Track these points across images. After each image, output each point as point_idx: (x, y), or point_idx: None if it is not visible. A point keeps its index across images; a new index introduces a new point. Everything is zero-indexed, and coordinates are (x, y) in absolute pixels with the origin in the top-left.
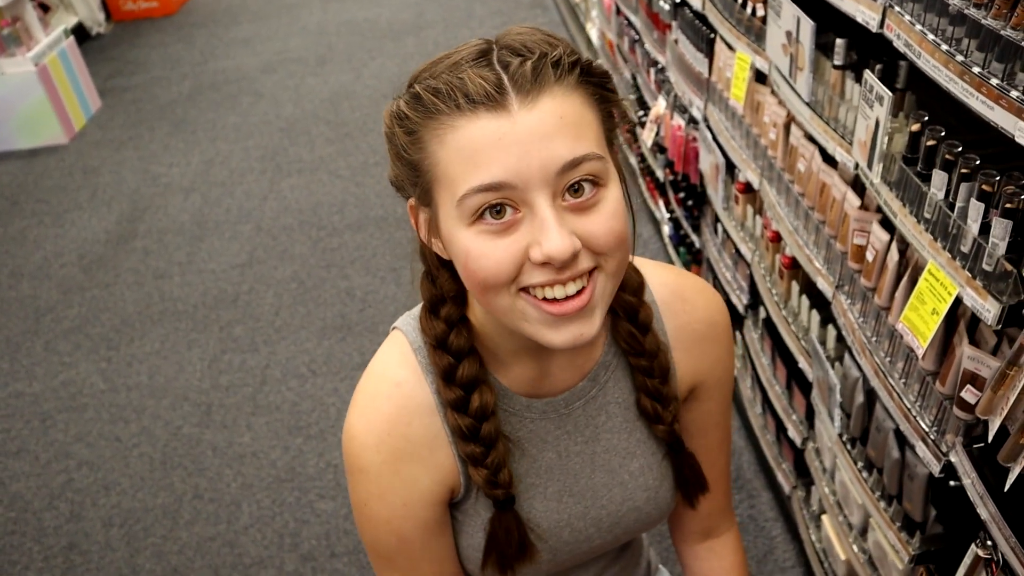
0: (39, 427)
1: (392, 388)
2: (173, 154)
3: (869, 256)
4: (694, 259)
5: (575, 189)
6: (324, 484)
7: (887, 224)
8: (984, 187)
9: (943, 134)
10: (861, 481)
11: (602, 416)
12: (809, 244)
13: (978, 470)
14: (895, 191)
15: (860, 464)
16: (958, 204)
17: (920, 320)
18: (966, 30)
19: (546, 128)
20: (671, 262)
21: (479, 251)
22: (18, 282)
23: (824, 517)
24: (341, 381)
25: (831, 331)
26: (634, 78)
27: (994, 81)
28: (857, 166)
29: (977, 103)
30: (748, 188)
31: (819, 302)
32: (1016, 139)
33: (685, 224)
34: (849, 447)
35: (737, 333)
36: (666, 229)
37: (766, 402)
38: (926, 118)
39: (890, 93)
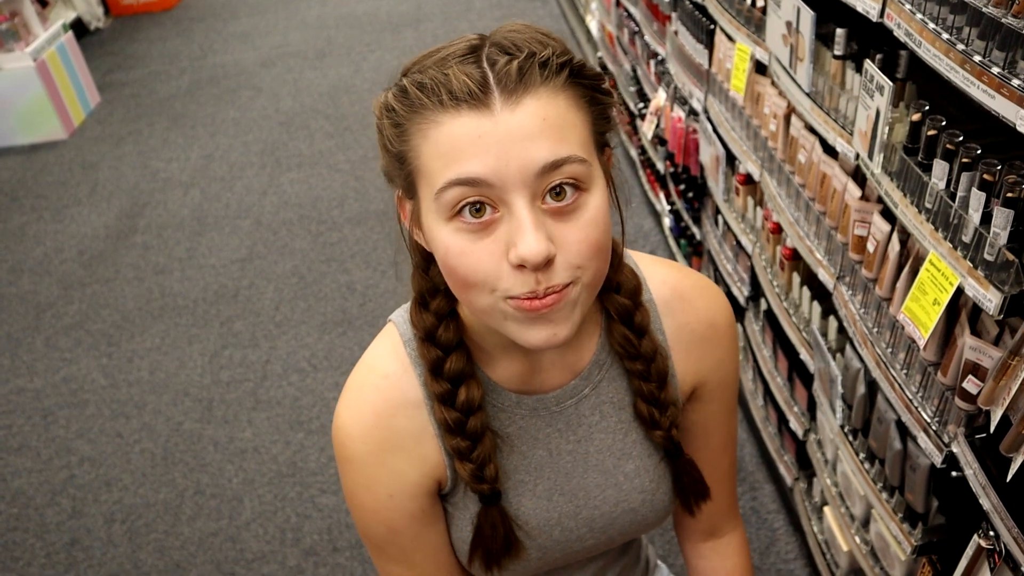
0: (40, 423)
1: (380, 380)
2: (172, 149)
3: (870, 247)
4: (695, 251)
5: (556, 192)
6: (326, 479)
7: (888, 215)
8: (985, 176)
9: (944, 124)
10: (863, 472)
11: (595, 415)
12: (810, 235)
13: (980, 461)
14: (896, 181)
15: (862, 455)
16: (959, 194)
17: (921, 311)
18: (967, 18)
19: (527, 129)
20: (672, 254)
21: (458, 248)
22: (18, 278)
23: (826, 509)
24: (342, 376)
25: (832, 322)
26: (634, 70)
27: (995, 70)
28: (858, 156)
29: (978, 92)
30: (749, 179)
31: (820, 293)
32: (1017, 128)
33: (686, 216)
34: (851, 438)
35: (739, 325)
36: (667, 221)
37: (768, 394)
38: (927, 108)
39: (891, 83)
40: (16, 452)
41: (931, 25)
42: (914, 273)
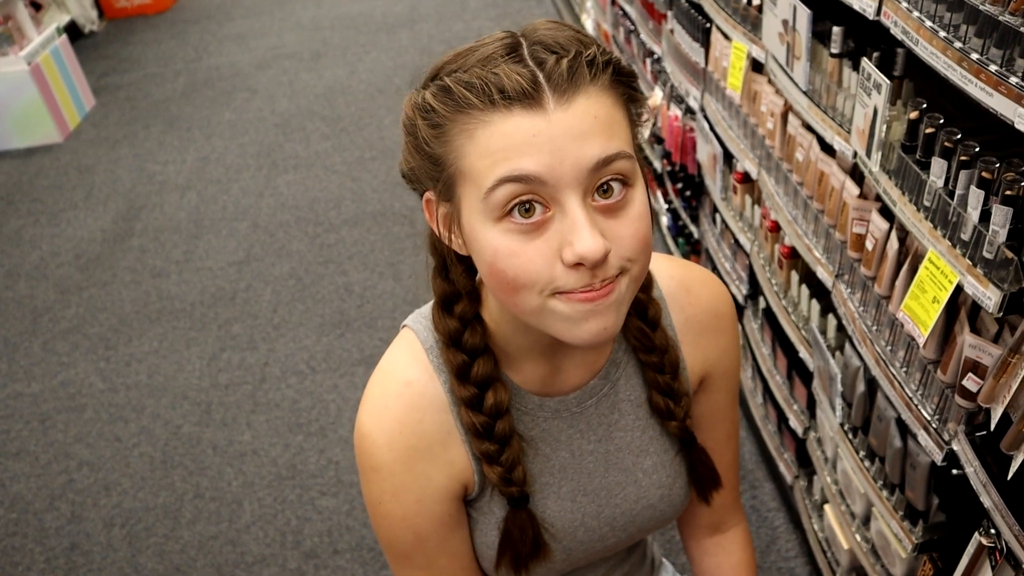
0: (39, 428)
1: (402, 387)
2: (168, 152)
3: (869, 245)
4: (693, 250)
5: (604, 189)
6: (325, 481)
7: (886, 212)
8: (984, 174)
9: (942, 121)
10: (863, 470)
11: (615, 414)
12: (808, 233)
13: (980, 458)
14: (894, 179)
15: (862, 453)
16: (958, 192)
17: (921, 309)
18: (964, 16)
19: (581, 127)
20: (670, 253)
21: (508, 249)
22: (15, 282)
23: (826, 506)
24: (340, 377)
25: (831, 320)
26: None
27: (993, 67)
28: (856, 155)
29: (976, 90)
30: (746, 178)
31: (819, 291)
32: (1016, 125)
33: (683, 215)
34: (851, 436)
35: (738, 323)
36: (664, 220)
37: (767, 392)
38: (924, 105)
39: (888, 81)
40: (14, 457)
41: (928, 23)
42: (913, 271)
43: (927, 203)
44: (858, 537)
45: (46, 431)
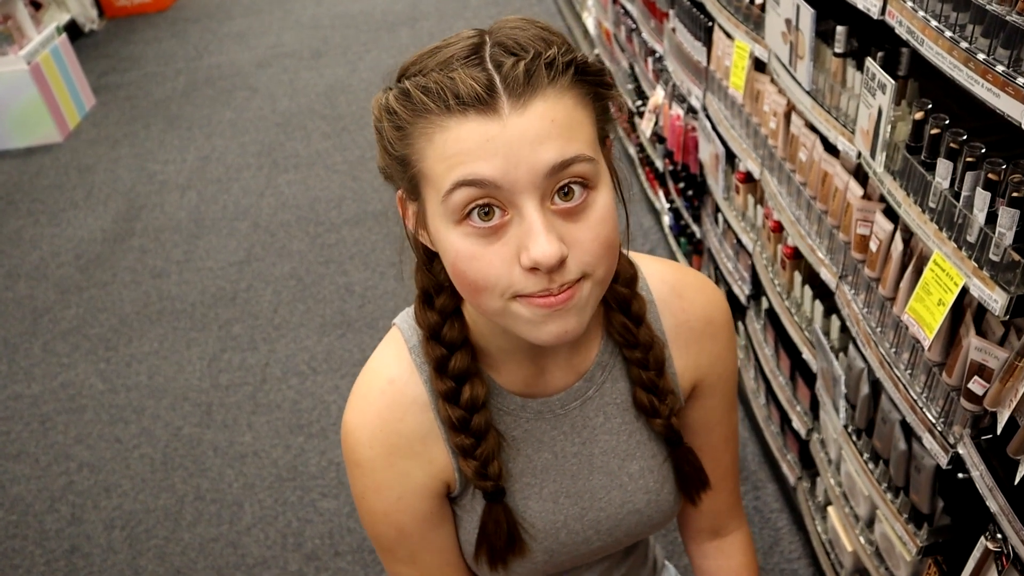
0: (39, 429)
1: (385, 384)
2: (168, 151)
3: (873, 246)
4: (695, 249)
5: (564, 192)
6: (326, 482)
7: (891, 214)
8: (990, 176)
9: (947, 122)
10: (867, 472)
11: (600, 417)
12: (811, 234)
13: (987, 462)
14: (899, 180)
15: (866, 455)
16: (963, 193)
17: (926, 311)
18: (970, 16)
19: (536, 132)
20: (672, 252)
21: (468, 252)
22: (15, 283)
23: (830, 508)
24: (342, 378)
25: (835, 321)
26: (632, 67)
27: (1000, 68)
28: (860, 155)
29: (982, 90)
30: (749, 178)
31: (822, 292)
32: (1022, 126)
33: (685, 214)
34: (854, 438)
35: (740, 324)
36: (666, 219)
37: (770, 393)
38: (929, 106)
39: (893, 81)
40: (14, 459)
41: (933, 23)
42: (918, 273)
43: (932, 205)
44: (862, 539)
45: (46, 432)
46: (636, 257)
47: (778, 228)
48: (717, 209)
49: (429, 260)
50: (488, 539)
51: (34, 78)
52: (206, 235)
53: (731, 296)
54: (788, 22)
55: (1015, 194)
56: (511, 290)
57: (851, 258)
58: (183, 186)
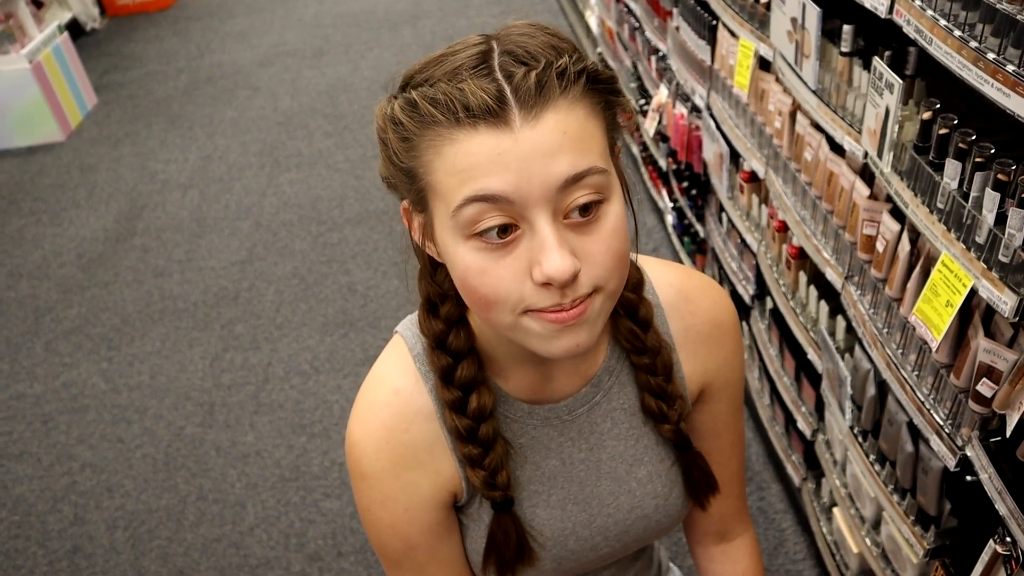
0: (41, 429)
1: (390, 395)
2: (170, 150)
3: (879, 246)
4: (699, 249)
5: (576, 206)
6: (329, 483)
7: (897, 214)
8: (1000, 176)
9: (956, 122)
10: (873, 474)
11: (607, 423)
12: (817, 234)
13: (995, 465)
14: (906, 181)
15: (872, 457)
16: (972, 194)
17: (934, 312)
18: (980, 15)
19: (549, 145)
20: (675, 252)
21: (478, 267)
22: (17, 282)
23: (836, 510)
24: (344, 378)
25: (840, 322)
26: (635, 66)
27: (1010, 68)
28: (867, 155)
29: (992, 90)
30: (753, 177)
31: (828, 293)
32: None
33: (689, 213)
34: (860, 440)
35: (744, 324)
36: (669, 219)
37: (774, 393)
38: (937, 105)
39: (900, 80)
40: (17, 459)
41: (942, 22)
42: (925, 273)
43: (940, 205)
44: (868, 541)
45: (48, 432)
46: (642, 260)
47: (783, 228)
48: (721, 208)
49: (433, 268)
50: (497, 549)
51: (36, 77)
52: (208, 234)
53: (735, 296)
54: (794, 21)
55: None
56: (522, 305)
57: (857, 258)
58: (185, 185)
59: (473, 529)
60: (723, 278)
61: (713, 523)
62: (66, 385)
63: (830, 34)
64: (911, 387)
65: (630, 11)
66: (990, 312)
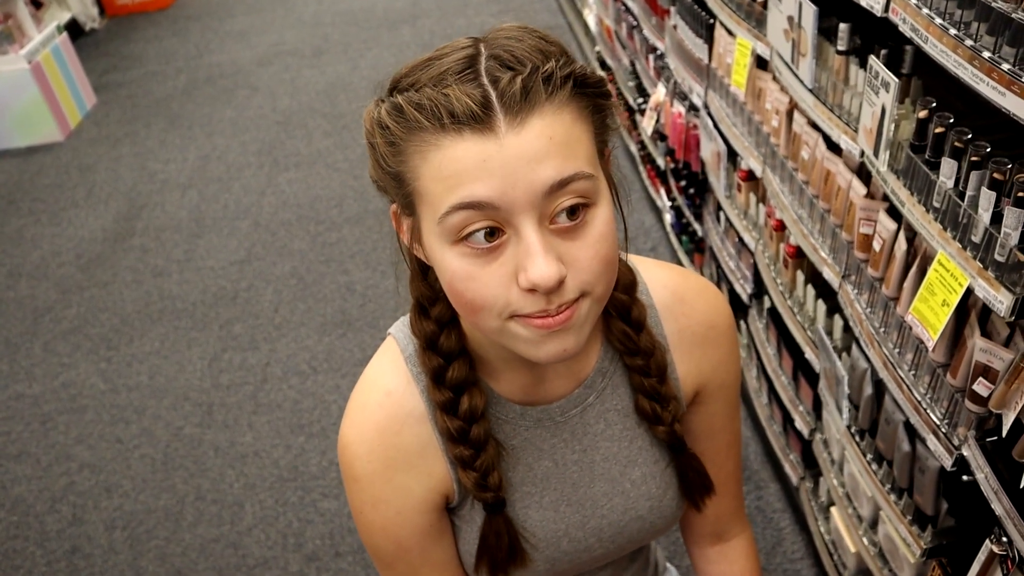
0: (39, 429)
1: (382, 397)
2: (169, 150)
3: (876, 245)
4: (696, 248)
5: (562, 211)
6: (327, 483)
7: (894, 213)
8: (995, 175)
9: (952, 121)
10: (871, 473)
11: (600, 424)
12: (814, 233)
13: (992, 465)
14: (903, 179)
15: (869, 456)
16: (968, 193)
17: (930, 311)
18: (975, 13)
19: (534, 150)
20: (673, 251)
21: (465, 273)
22: (16, 282)
23: (833, 509)
24: (342, 378)
25: (838, 321)
26: (633, 65)
27: (1005, 66)
28: (863, 154)
29: (987, 89)
30: (751, 176)
31: (825, 291)
32: None
33: (687, 212)
34: (858, 439)
35: (742, 323)
36: (668, 217)
37: (772, 392)
38: (934, 104)
39: (896, 79)
40: (15, 459)
41: (938, 20)
42: (922, 272)
43: (937, 204)
44: (865, 540)
45: (47, 433)
46: (636, 261)
47: (780, 227)
48: (719, 207)
49: (423, 271)
50: (489, 551)
51: (35, 77)
52: (207, 234)
53: (733, 295)
54: (790, 19)
55: (1021, 194)
56: (508, 310)
57: (854, 257)
58: (184, 185)
59: (465, 531)
60: (721, 277)
61: (709, 524)
62: (65, 385)
63: (826, 32)
64: (908, 386)
65: (628, 10)
66: (986, 311)
